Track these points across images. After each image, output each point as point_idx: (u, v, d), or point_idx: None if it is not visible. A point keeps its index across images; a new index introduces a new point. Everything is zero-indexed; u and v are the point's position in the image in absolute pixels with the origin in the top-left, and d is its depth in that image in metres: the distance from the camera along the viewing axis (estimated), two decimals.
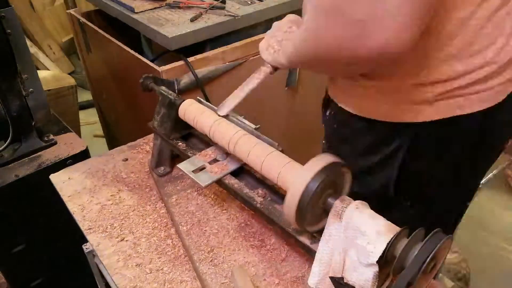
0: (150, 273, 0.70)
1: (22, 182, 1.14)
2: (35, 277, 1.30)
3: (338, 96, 0.76)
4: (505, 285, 1.59)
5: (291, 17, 0.86)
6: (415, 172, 0.74)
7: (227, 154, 0.77)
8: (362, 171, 0.75)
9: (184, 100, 0.81)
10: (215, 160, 0.77)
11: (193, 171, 0.74)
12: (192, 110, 0.79)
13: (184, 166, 0.75)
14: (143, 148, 0.99)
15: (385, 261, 0.52)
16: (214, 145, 0.79)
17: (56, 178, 0.90)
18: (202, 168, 0.75)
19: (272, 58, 0.75)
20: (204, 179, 0.73)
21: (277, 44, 0.76)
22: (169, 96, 0.82)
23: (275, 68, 0.76)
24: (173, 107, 0.82)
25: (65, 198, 0.85)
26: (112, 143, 1.92)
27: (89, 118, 2.49)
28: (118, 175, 0.91)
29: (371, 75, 0.67)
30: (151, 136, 1.00)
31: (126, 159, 0.95)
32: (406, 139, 0.69)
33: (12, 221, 1.19)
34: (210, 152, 0.78)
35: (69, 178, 0.90)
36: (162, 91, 0.83)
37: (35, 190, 1.12)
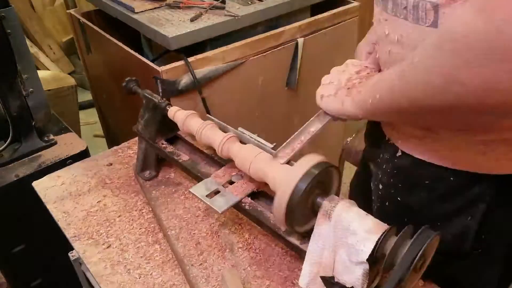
0: (139, 278, 0.69)
1: (22, 182, 1.14)
2: (35, 277, 1.30)
3: (413, 148, 0.66)
4: None
5: (354, 61, 0.76)
6: (499, 225, 0.65)
7: (242, 175, 0.71)
8: (433, 220, 0.65)
9: (168, 103, 0.81)
10: (230, 182, 0.71)
11: (207, 196, 0.68)
12: (180, 113, 0.78)
13: (197, 191, 0.68)
14: (128, 152, 0.97)
15: (375, 259, 0.52)
16: (225, 166, 0.74)
17: (39, 185, 0.89)
18: (216, 192, 0.69)
19: (334, 107, 0.66)
20: (220, 204, 0.66)
21: (343, 91, 0.67)
22: (154, 99, 0.81)
23: (336, 118, 0.69)
24: (158, 110, 0.81)
25: (49, 206, 0.84)
26: (112, 143, 1.93)
27: (89, 118, 2.49)
28: (103, 180, 0.90)
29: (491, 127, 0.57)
30: (135, 140, 0.99)
31: (111, 164, 0.94)
32: (491, 186, 0.61)
33: (12, 221, 1.19)
34: (221, 174, 0.72)
35: (52, 185, 0.89)
36: (146, 94, 0.82)
37: (35, 190, 1.12)
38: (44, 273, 1.31)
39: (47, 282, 1.32)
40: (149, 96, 0.81)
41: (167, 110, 0.80)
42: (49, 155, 1.22)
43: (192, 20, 1.26)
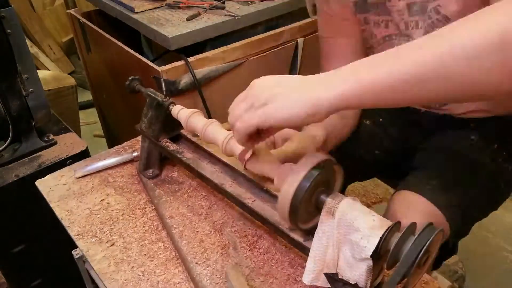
0: (142, 276, 0.70)
1: (22, 182, 1.14)
2: (35, 277, 1.30)
3: None
4: (505, 285, 1.59)
5: None
6: None
7: None
8: None
9: (172, 102, 0.81)
10: None
11: None
12: (184, 112, 0.78)
13: None
14: (130, 151, 0.97)
15: (379, 255, 0.53)
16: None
17: (42, 184, 0.89)
18: None
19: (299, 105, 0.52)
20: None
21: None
22: (157, 97, 0.81)
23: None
24: (161, 108, 0.81)
25: (52, 204, 0.84)
26: (112, 143, 1.93)
27: (89, 118, 2.49)
28: (106, 179, 0.90)
29: None
30: (137, 139, 0.99)
31: None
32: None
33: (12, 221, 1.19)
34: None
35: (55, 184, 0.89)
36: (150, 93, 0.82)
37: (35, 190, 1.12)
38: (44, 273, 1.31)
39: (47, 282, 1.32)
40: (153, 95, 0.81)
41: (171, 109, 0.80)
42: (49, 155, 1.22)
43: (188, 19, 1.26)
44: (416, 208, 0.81)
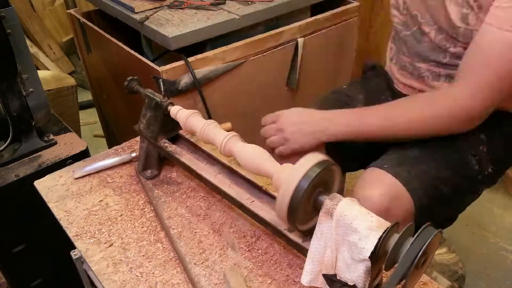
0: (141, 277, 0.70)
1: (22, 182, 1.14)
2: (35, 277, 1.30)
3: None
4: (504, 285, 1.59)
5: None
6: None
7: None
8: None
9: (170, 102, 0.81)
10: None
11: None
12: (182, 112, 0.78)
13: None
14: (129, 152, 0.97)
15: (377, 256, 0.53)
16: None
17: (41, 185, 0.89)
18: None
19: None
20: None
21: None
22: (156, 98, 0.81)
23: None
24: (160, 109, 0.81)
25: (50, 204, 0.84)
26: (112, 143, 1.93)
27: (89, 118, 2.49)
28: (104, 179, 0.90)
29: None
30: (136, 139, 1.00)
31: None
32: None
33: (12, 221, 1.19)
34: None
35: (54, 184, 0.89)
36: (148, 93, 0.82)
37: (35, 190, 1.12)
38: (44, 273, 1.31)
39: (47, 282, 1.32)
40: (151, 95, 0.81)
41: (169, 109, 0.80)
42: (49, 155, 1.22)
43: (188, 19, 1.26)
44: (379, 181, 0.87)
